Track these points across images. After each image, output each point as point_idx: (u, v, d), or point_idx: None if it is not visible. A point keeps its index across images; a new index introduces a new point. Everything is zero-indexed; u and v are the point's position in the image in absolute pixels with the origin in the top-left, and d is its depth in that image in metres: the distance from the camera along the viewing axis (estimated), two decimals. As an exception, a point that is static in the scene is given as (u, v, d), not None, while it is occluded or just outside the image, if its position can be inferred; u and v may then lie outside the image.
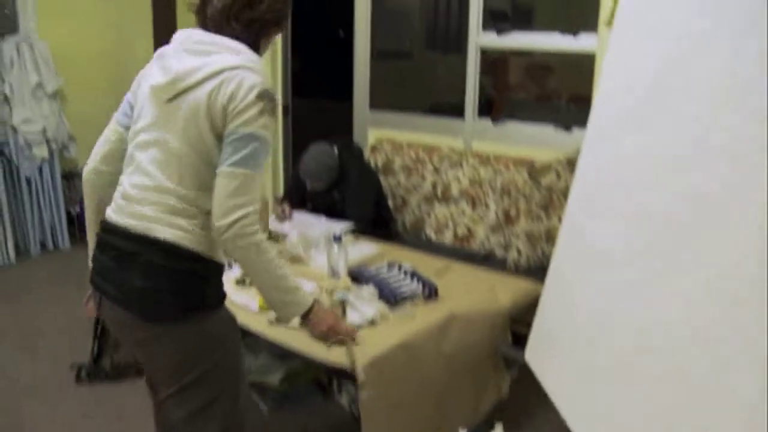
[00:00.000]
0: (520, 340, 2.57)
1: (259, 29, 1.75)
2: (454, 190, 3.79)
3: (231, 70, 1.62)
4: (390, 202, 3.99)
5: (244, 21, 1.72)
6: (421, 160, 4.04)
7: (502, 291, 2.70)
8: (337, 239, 2.62)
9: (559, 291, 2.25)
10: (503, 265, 3.32)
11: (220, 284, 1.76)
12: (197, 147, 1.63)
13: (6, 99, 4.68)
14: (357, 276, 2.60)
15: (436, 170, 3.94)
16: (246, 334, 2.15)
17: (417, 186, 4.00)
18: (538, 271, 3.10)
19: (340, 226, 3.21)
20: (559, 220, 3.20)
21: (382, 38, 4.94)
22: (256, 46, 1.74)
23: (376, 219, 3.68)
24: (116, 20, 5.19)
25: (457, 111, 4.15)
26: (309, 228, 3.16)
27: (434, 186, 3.91)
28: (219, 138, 1.63)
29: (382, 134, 4.43)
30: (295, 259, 2.85)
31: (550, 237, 3.27)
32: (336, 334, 2.01)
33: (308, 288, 2.38)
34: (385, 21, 4.99)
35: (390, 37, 5.22)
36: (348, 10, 4.68)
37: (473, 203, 3.70)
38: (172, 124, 1.65)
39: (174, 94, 1.65)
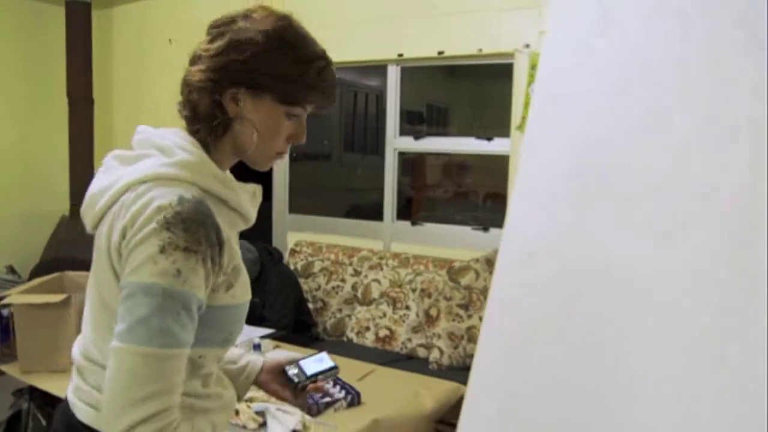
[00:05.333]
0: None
1: (198, 104, 1.15)
2: (375, 292, 3.80)
3: (140, 184, 1.08)
4: (310, 306, 3.95)
5: (184, 94, 1.18)
6: (341, 262, 4.04)
7: (426, 394, 2.66)
8: (257, 348, 2.56)
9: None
10: (425, 365, 3.31)
11: None
12: (111, 305, 1.11)
13: None
14: (277, 385, 2.52)
15: (357, 272, 3.95)
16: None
17: (337, 288, 3.98)
18: (459, 370, 3.12)
19: (259, 333, 3.13)
20: (480, 319, 3.23)
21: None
22: (211, 137, 1.17)
23: (297, 323, 3.63)
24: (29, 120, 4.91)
25: (377, 212, 4.21)
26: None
27: (354, 288, 3.91)
28: None
29: (301, 237, 4.42)
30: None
31: (471, 336, 3.29)
32: None
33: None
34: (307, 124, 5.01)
35: (310, 140, 5.22)
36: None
37: (394, 304, 3.70)
38: (94, 267, 1.16)
39: (90, 226, 1.17)
